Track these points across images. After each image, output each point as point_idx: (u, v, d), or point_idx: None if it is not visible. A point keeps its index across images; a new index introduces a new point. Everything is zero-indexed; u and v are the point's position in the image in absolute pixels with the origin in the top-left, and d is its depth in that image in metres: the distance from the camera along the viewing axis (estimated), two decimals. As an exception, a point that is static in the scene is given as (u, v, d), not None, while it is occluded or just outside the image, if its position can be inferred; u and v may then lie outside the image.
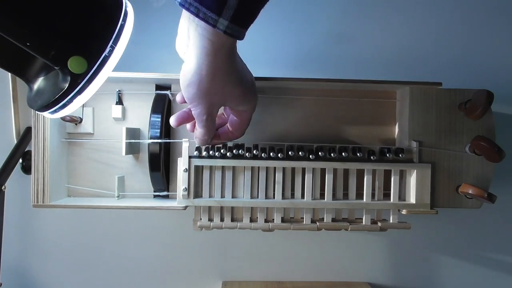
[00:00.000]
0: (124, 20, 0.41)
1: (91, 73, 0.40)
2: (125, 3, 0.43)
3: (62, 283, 0.73)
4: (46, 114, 0.42)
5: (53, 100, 0.40)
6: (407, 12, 0.72)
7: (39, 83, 0.42)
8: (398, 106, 0.63)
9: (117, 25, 0.41)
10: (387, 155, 0.57)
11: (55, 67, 0.39)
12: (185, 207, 0.55)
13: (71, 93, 0.40)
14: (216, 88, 0.44)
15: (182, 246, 0.73)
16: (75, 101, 0.41)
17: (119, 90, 0.62)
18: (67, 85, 0.39)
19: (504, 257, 0.74)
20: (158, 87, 0.62)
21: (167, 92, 0.60)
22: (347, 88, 0.63)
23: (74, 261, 0.73)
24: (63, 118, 0.59)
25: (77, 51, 0.39)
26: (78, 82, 0.40)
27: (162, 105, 0.59)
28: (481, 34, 0.72)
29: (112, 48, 0.40)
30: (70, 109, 0.42)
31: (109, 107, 0.62)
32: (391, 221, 0.58)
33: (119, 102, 0.62)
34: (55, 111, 0.42)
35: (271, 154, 0.56)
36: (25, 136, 0.66)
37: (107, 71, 0.42)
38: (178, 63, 0.71)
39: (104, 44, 0.40)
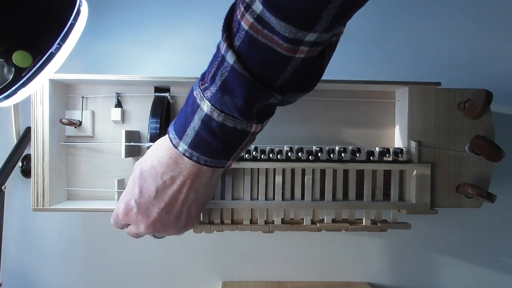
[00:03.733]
0: (75, 19, 0.44)
1: (35, 67, 0.42)
2: (79, 2, 0.44)
3: (62, 283, 0.73)
4: None
5: None
6: (405, 12, 0.72)
7: None
8: (397, 106, 0.63)
9: (66, 24, 0.43)
10: (387, 155, 0.57)
11: (0, 59, 0.42)
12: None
13: (14, 85, 0.42)
14: None
15: (182, 246, 0.73)
16: (19, 93, 0.43)
17: (118, 93, 0.62)
18: (11, 77, 0.42)
19: (504, 257, 0.74)
20: (157, 89, 0.62)
21: (166, 94, 0.60)
22: (346, 88, 0.63)
23: (74, 261, 0.72)
24: (61, 121, 0.59)
25: (23, 46, 0.41)
26: (22, 75, 0.42)
27: (161, 107, 0.59)
28: (480, 33, 0.72)
29: (60, 45, 0.43)
30: (15, 100, 0.44)
31: (108, 110, 0.62)
32: (391, 222, 0.58)
33: (118, 104, 0.62)
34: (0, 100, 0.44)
35: (271, 155, 0.56)
36: (25, 136, 0.66)
37: (54, 67, 0.44)
38: (176, 64, 0.72)
39: (51, 41, 0.42)
